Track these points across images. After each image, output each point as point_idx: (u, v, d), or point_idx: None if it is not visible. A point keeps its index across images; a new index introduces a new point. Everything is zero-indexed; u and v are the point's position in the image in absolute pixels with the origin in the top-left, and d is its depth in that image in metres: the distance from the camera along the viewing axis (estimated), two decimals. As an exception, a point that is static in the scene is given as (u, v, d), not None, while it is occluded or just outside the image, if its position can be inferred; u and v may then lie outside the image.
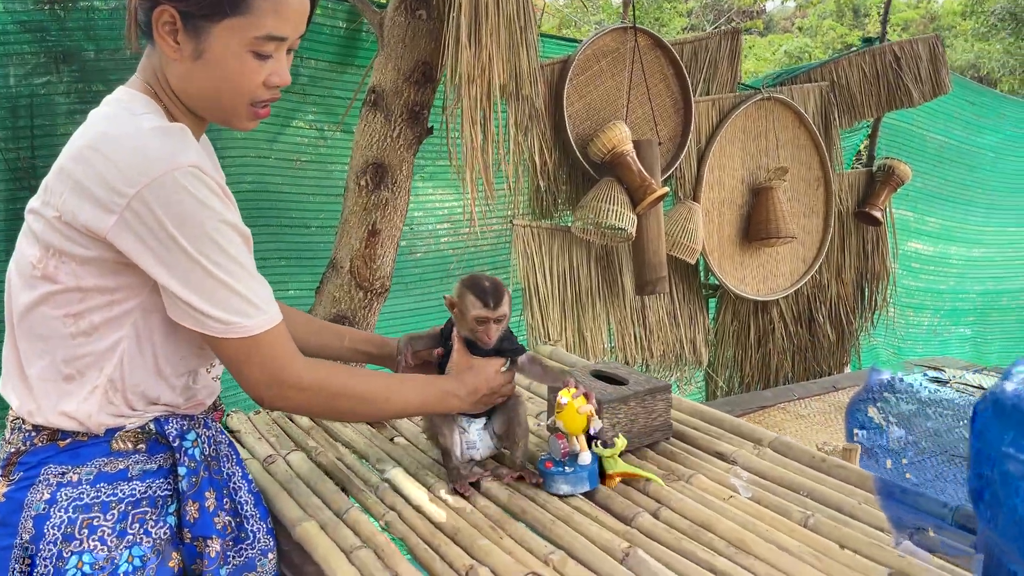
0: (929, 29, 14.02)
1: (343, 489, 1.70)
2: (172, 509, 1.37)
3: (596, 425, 1.64)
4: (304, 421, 2.06)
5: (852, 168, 4.47)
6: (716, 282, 3.96)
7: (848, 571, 1.34)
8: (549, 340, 3.30)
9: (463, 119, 2.35)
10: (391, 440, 1.93)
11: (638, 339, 3.60)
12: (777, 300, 4.08)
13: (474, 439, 1.68)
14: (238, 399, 3.18)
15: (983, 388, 4.00)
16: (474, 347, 1.66)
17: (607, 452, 1.66)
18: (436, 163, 3.47)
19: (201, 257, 1.21)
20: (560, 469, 1.62)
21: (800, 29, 17.32)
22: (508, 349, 1.70)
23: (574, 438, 1.64)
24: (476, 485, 1.67)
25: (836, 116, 4.12)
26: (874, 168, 4.36)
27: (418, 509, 1.61)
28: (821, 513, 1.51)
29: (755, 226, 3.82)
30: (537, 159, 3.06)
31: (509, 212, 3.25)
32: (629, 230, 3.21)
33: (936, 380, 4.12)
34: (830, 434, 3.40)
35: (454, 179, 3.59)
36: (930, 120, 4.95)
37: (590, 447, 1.65)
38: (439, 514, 1.57)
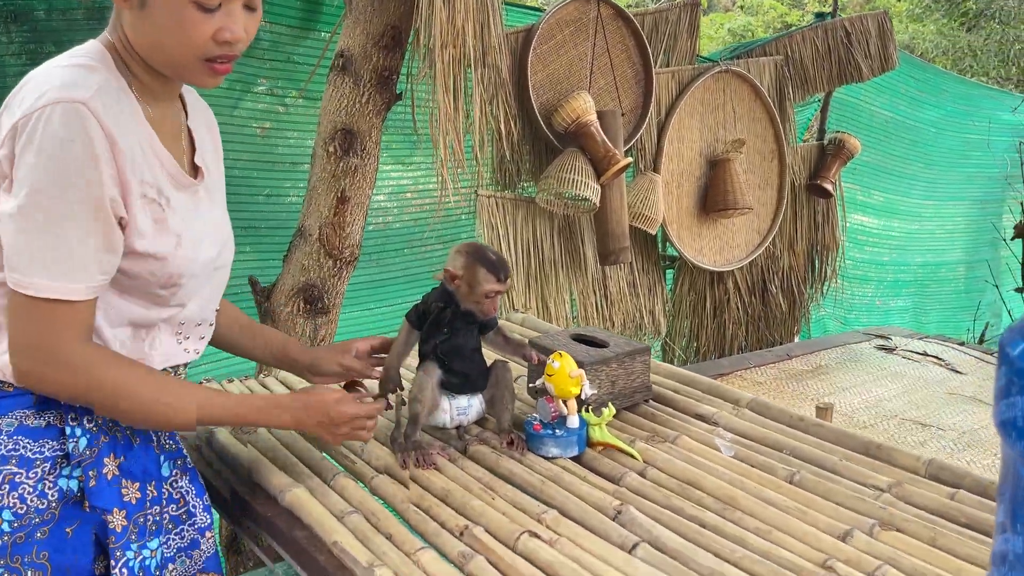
0: (865, 10, 14.30)
1: (328, 456, 1.69)
2: (66, 472, 1.28)
3: (588, 390, 1.65)
4: (279, 388, 2.03)
5: (804, 141, 4.55)
6: (674, 253, 4.01)
7: (834, 523, 1.39)
8: (515, 309, 3.30)
9: (436, 85, 2.32)
10: (370, 407, 1.92)
11: (599, 309, 3.63)
12: (732, 271, 4.15)
13: (464, 404, 1.68)
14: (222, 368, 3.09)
15: (927, 355, 4.15)
16: (465, 320, 1.65)
17: (596, 420, 1.67)
18: (385, 133, 3.41)
19: (35, 195, 1.15)
20: (550, 432, 1.63)
21: (742, 8, 17.49)
22: (487, 323, 1.71)
23: (562, 402, 1.65)
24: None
25: (790, 90, 4.19)
26: (825, 142, 4.45)
27: (407, 471, 1.60)
28: (805, 470, 1.55)
29: (713, 197, 3.87)
30: (503, 129, 3.05)
31: (471, 182, 3.23)
32: (593, 200, 3.22)
33: (883, 348, 4.26)
34: (785, 401, 3.48)
35: (404, 151, 3.55)
36: (877, 95, 5.07)
37: (578, 411, 1.66)
38: (427, 477, 1.57)
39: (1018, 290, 4.81)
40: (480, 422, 1.79)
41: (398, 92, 2.50)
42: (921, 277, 5.97)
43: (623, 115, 3.46)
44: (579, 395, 1.65)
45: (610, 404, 1.71)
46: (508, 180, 3.34)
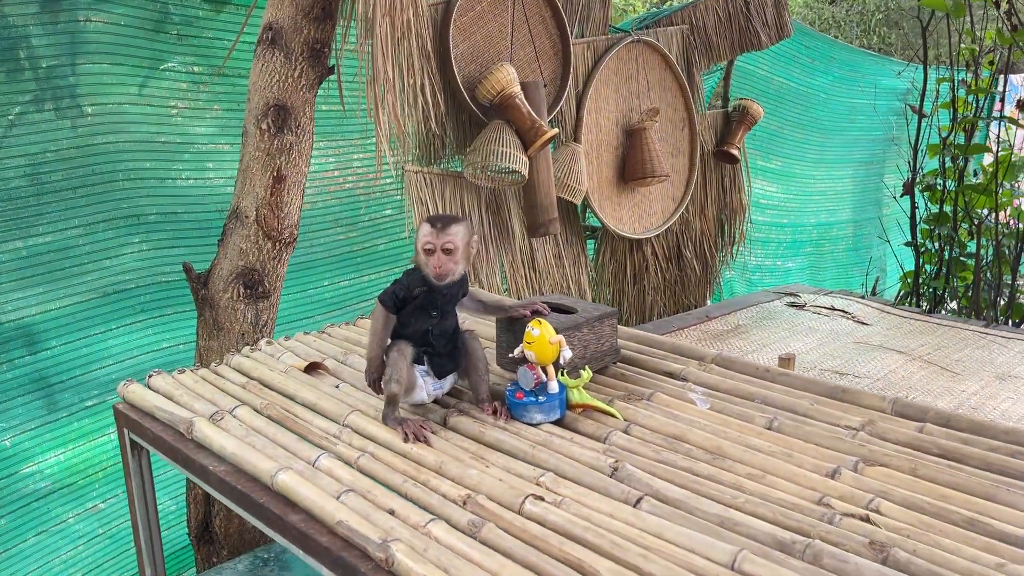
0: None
1: (304, 439, 1.64)
2: None
3: (567, 354, 1.66)
4: (236, 377, 1.95)
5: (709, 109, 4.67)
6: (594, 223, 4.07)
7: (820, 463, 1.45)
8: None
9: (375, 55, 2.26)
10: (336, 387, 1.88)
11: (529, 281, 3.64)
12: (650, 238, 4.25)
13: (442, 382, 1.69)
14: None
15: (834, 309, 4.37)
16: (448, 298, 1.68)
17: (574, 383, 1.69)
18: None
19: None
20: (533, 399, 1.64)
21: (624, -19, 17.72)
22: (463, 292, 1.74)
23: (541, 368, 1.66)
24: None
25: (696, 58, 4.30)
26: (729, 108, 4.58)
27: (390, 449, 1.58)
28: (781, 416, 1.61)
29: (631, 166, 3.94)
30: (430, 102, 3.01)
31: (399, 158, 3.18)
32: (523, 172, 3.22)
33: (793, 305, 4.46)
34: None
35: (324, 130, 3.45)
36: (773, 63, 5.26)
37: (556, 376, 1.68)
38: (418, 452, 1.55)
39: (907, 244, 5.10)
40: (453, 392, 1.79)
41: (331, 65, 2.42)
42: (816, 237, 6.26)
43: (546, 86, 3.46)
44: (557, 360, 1.67)
45: (587, 367, 1.73)
46: (434, 155, 3.30)
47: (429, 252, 1.64)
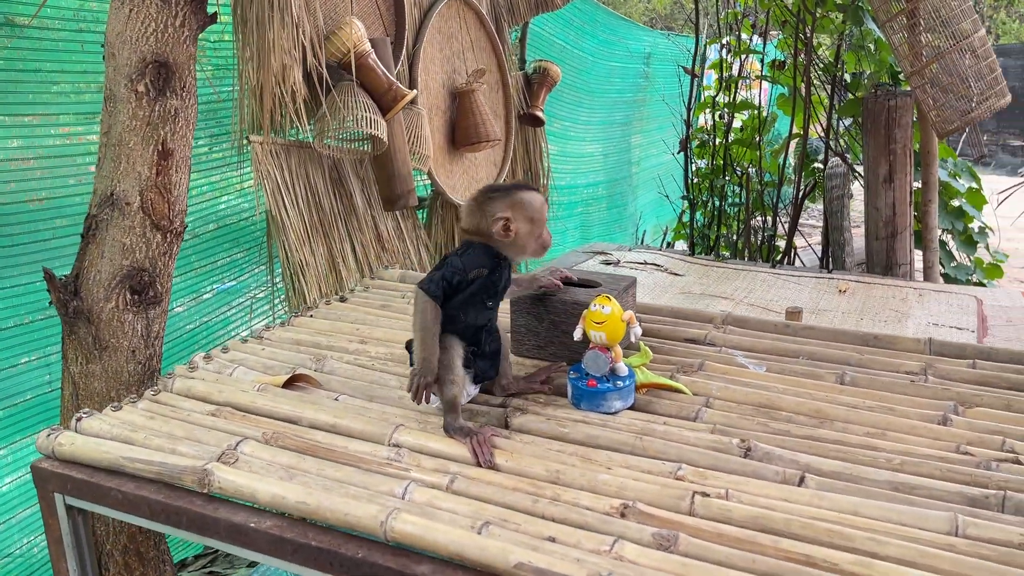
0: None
1: (361, 469, 1.33)
2: None
3: (637, 331, 1.50)
4: (194, 405, 1.54)
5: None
6: (422, 194, 3.84)
7: (923, 412, 1.45)
8: (305, 268, 2.90)
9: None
10: (336, 399, 1.55)
11: (380, 258, 3.34)
12: (474, 205, 4.11)
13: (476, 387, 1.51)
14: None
15: (646, 263, 4.56)
16: (506, 276, 1.50)
17: (637, 361, 1.54)
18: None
19: None
20: (610, 386, 1.46)
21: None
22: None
23: (611, 350, 1.48)
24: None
25: (506, 17, 4.19)
26: (530, 71, 4.54)
27: (478, 465, 1.33)
28: (848, 371, 1.59)
29: (463, 131, 3.74)
30: (276, 60, 2.60)
31: (240, 129, 2.72)
32: (384, 138, 2.92)
33: (607, 262, 4.58)
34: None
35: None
36: (553, 25, 5.30)
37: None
38: (512, 464, 1.31)
39: (683, 197, 5.46)
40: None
41: (212, 12, 1.97)
42: (586, 197, 6.49)
43: (394, 43, 3.16)
44: (625, 338, 1.50)
45: (643, 344, 1.59)
46: (272, 123, 2.87)
47: (541, 223, 1.48)
